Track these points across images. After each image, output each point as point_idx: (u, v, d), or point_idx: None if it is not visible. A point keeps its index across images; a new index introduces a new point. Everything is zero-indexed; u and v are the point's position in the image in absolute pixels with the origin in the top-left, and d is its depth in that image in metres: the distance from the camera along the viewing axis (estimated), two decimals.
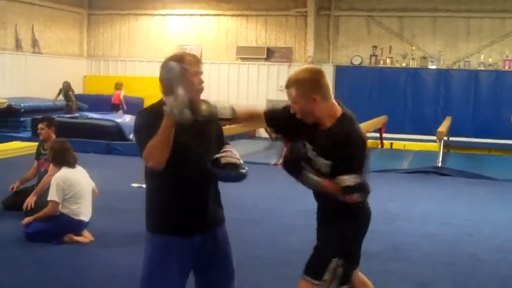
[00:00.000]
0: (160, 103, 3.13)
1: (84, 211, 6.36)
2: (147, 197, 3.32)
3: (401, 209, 8.75)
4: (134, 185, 9.33)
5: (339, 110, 3.31)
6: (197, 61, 3.24)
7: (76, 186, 6.30)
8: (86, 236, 6.44)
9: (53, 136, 7.58)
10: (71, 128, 13.50)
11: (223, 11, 20.07)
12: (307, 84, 3.23)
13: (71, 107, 17.10)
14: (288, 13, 19.45)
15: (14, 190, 7.65)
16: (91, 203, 6.52)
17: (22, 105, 16.35)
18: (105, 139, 13.95)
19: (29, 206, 6.87)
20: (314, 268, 3.42)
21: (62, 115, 15.03)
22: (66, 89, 17.07)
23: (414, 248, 6.67)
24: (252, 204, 8.66)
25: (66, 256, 5.92)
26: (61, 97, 17.65)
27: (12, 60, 18.18)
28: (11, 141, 13.90)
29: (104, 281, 5.28)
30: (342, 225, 3.40)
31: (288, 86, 3.29)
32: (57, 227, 6.26)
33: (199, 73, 3.22)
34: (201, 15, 20.31)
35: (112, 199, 8.26)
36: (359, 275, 3.77)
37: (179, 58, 3.16)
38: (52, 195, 6.22)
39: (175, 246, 3.21)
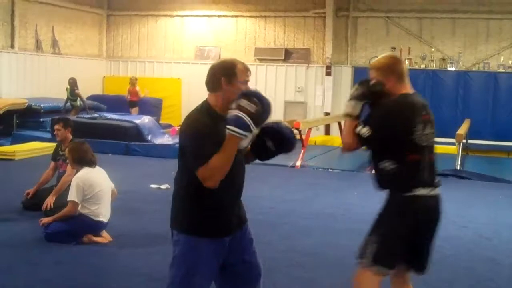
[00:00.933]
0: (208, 115, 3.17)
1: (103, 212, 6.40)
2: (180, 198, 3.34)
3: None
4: (153, 186, 9.37)
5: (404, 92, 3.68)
6: (246, 69, 3.30)
7: (96, 187, 6.34)
8: (105, 237, 6.49)
9: (70, 137, 7.64)
10: (90, 128, 13.62)
11: (241, 12, 20.11)
12: (384, 68, 3.70)
13: (82, 107, 16.78)
14: (307, 14, 19.45)
15: (30, 196, 7.64)
16: (110, 204, 6.56)
17: (42, 105, 16.49)
18: (123, 140, 14.02)
19: (48, 206, 6.94)
20: (360, 249, 3.72)
21: (82, 116, 15.14)
22: (72, 86, 16.69)
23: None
24: (269, 206, 8.66)
25: (85, 257, 5.97)
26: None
27: (32, 60, 18.37)
28: (31, 141, 14.03)
29: (123, 282, 5.31)
30: (391, 212, 3.68)
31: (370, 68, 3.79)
32: (76, 228, 6.31)
33: (247, 81, 3.28)
34: (219, 16, 20.38)
35: (130, 200, 8.31)
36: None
37: (231, 65, 3.23)
38: (72, 196, 6.27)
39: (209, 248, 3.27)
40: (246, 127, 3.02)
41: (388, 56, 3.83)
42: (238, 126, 3.01)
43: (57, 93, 18.09)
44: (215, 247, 3.28)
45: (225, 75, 3.19)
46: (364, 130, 3.53)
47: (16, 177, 10.17)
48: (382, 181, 3.69)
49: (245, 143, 3.19)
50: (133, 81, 18.29)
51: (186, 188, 3.28)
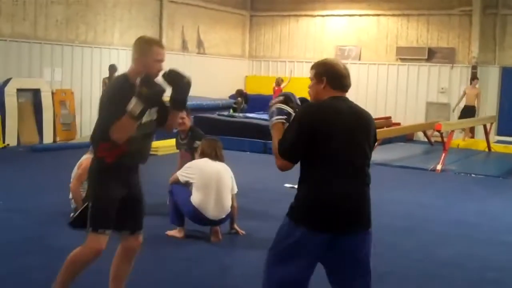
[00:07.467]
0: None
1: (209, 206, 6.27)
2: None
3: None
4: (287, 185, 9.37)
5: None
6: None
7: (204, 174, 6.33)
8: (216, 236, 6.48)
9: (189, 125, 7.68)
10: (228, 126, 13.94)
11: (383, 11, 19.70)
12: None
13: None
14: (452, 12, 18.68)
15: None
16: (224, 200, 6.40)
17: (187, 104, 17.01)
18: (261, 139, 14.15)
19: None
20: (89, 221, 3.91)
21: (222, 114, 15.50)
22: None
23: None
24: (406, 211, 8.37)
25: (215, 255, 6.04)
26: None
27: (178, 60, 18.96)
28: (174, 138, 14.48)
29: (248, 281, 5.24)
30: (94, 175, 3.97)
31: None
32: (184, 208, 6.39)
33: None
34: (360, 15, 20.09)
35: (262, 199, 8.35)
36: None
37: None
38: (179, 171, 6.53)
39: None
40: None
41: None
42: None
43: (201, 92, 18.63)
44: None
45: None
46: None
47: (158, 171, 10.53)
48: None
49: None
50: (279, 81, 18.34)
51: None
